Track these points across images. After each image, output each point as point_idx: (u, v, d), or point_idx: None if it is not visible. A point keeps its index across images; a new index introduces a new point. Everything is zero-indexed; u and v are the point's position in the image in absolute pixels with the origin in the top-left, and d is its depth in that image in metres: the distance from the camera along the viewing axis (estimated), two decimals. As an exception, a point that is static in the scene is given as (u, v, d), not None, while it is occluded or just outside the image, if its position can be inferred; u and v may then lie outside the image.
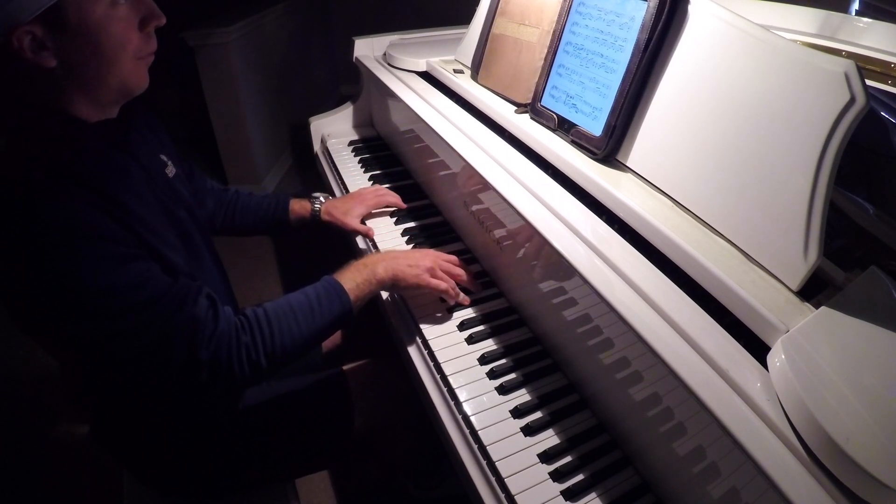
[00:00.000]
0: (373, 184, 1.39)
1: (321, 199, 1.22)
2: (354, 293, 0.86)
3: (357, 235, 1.22)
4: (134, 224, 0.67)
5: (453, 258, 1.00)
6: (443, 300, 0.98)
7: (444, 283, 0.93)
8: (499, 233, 0.98)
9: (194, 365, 0.69)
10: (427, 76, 1.32)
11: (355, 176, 1.44)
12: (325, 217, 1.20)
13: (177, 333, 0.68)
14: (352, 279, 0.87)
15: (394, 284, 0.91)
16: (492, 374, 0.86)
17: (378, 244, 1.17)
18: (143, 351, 0.67)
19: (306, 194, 1.23)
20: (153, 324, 0.66)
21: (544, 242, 0.78)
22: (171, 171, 0.86)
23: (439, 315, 0.97)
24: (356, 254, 1.24)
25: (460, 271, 0.98)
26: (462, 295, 0.97)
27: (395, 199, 1.27)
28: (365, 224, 1.22)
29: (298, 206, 1.20)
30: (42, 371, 1.78)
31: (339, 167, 1.49)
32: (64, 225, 0.60)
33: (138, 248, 0.67)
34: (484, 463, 0.74)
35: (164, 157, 0.86)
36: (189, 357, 0.69)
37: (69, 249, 0.61)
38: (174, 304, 0.68)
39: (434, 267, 0.94)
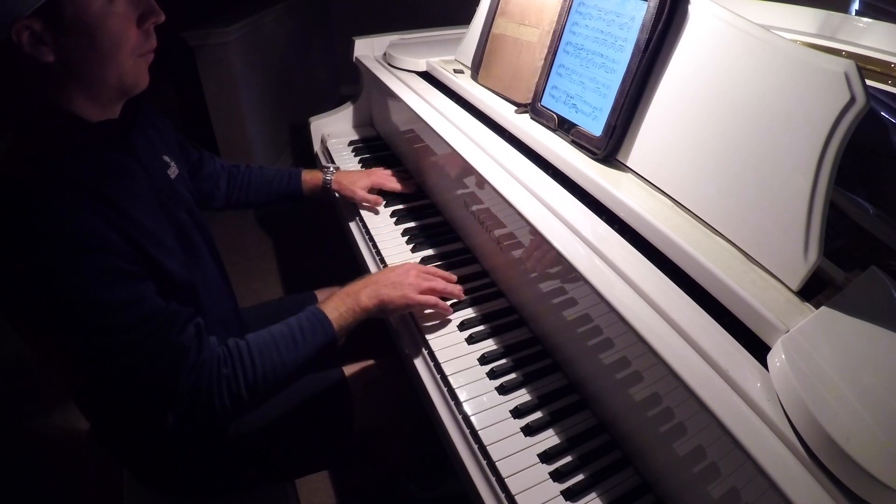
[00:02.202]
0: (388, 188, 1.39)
1: (332, 168, 1.29)
2: (338, 322, 0.85)
3: (364, 204, 1.28)
4: (131, 230, 0.67)
5: (431, 269, 0.99)
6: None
7: (432, 298, 0.92)
8: (499, 233, 0.98)
9: (174, 392, 0.69)
10: (427, 76, 1.32)
11: (355, 176, 1.44)
12: (335, 186, 1.27)
13: (160, 358, 0.68)
14: (335, 308, 0.86)
15: (381, 310, 0.89)
16: (492, 374, 0.86)
17: (378, 244, 1.17)
18: (124, 370, 0.67)
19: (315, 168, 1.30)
20: (138, 345, 0.66)
21: (544, 242, 0.78)
22: (173, 171, 0.86)
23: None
24: (352, 246, 1.25)
25: (443, 284, 0.96)
26: (457, 288, 0.97)
27: (398, 185, 1.32)
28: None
29: (310, 177, 1.27)
30: (43, 370, 1.78)
31: (339, 167, 1.49)
32: (61, 231, 0.60)
33: (135, 260, 0.67)
34: (484, 463, 0.74)
35: (167, 158, 0.86)
36: (169, 384, 0.69)
37: (65, 257, 0.61)
38: (162, 329, 0.68)
39: (418, 281, 0.92)
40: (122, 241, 0.65)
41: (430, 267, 1.01)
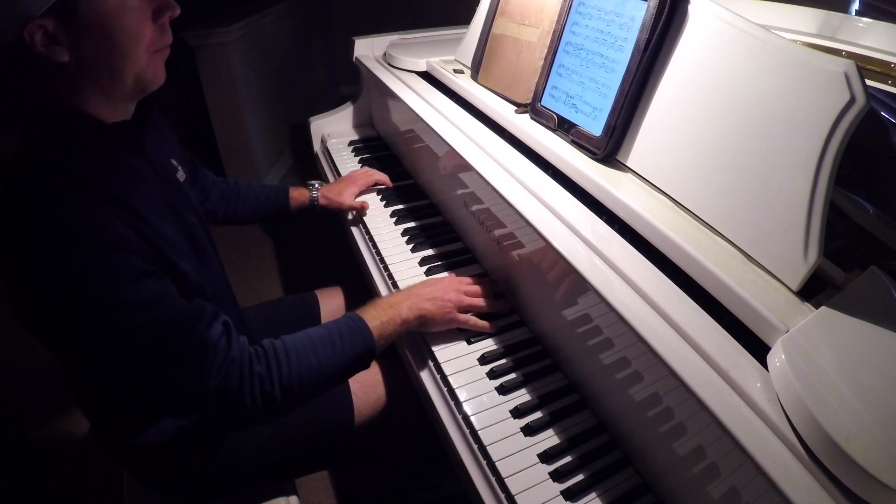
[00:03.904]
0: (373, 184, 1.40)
1: (317, 185, 1.29)
2: (378, 331, 0.83)
3: (352, 211, 1.30)
4: (147, 231, 0.66)
5: (470, 284, 0.97)
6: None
7: (472, 318, 0.91)
8: (499, 233, 0.98)
9: (201, 392, 0.68)
10: (427, 76, 1.32)
11: (355, 176, 1.44)
12: (322, 202, 1.27)
13: (185, 357, 0.66)
14: (376, 317, 0.84)
15: (421, 325, 0.89)
16: (492, 375, 0.86)
17: (378, 244, 1.17)
18: (147, 372, 0.66)
19: (303, 183, 1.31)
20: (159, 345, 0.65)
21: (544, 242, 0.78)
22: (181, 175, 0.85)
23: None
24: (352, 246, 1.25)
25: (481, 302, 0.95)
26: (496, 305, 0.96)
27: (382, 177, 1.35)
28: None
29: (297, 194, 1.27)
30: (43, 369, 1.78)
31: (339, 167, 1.49)
32: (78, 231, 0.59)
33: (153, 260, 0.66)
34: (484, 463, 0.74)
35: (174, 162, 0.86)
36: (196, 383, 0.67)
37: (79, 257, 0.60)
38: (185, 327, 0.66)
39: (459, 298, 0.91)
40: (139, 241, 0.64)
41: (469, 279, 0.98)
